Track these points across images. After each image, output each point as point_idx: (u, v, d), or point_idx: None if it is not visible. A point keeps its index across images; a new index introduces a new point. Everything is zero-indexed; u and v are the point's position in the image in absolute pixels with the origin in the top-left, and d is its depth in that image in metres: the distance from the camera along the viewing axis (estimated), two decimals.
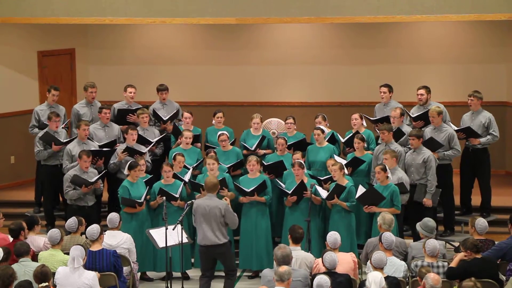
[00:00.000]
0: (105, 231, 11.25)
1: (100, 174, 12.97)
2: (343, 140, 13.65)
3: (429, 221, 10.89)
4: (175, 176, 12.62)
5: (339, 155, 13.42)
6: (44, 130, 13.78)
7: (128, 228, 12.04)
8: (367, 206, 12.14)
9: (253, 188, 12.39)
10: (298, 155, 12.92)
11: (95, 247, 10.70)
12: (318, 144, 13.32)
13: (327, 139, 13.48)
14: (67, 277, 9.76)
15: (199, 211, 11.07)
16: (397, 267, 10.22)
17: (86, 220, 11.72)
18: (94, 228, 10.79)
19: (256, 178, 12.57)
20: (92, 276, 9.79)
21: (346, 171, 12.61)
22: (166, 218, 11.26)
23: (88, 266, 10.34)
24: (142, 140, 13.51)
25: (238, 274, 12.11)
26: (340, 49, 16.93)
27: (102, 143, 13.57)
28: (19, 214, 13.91)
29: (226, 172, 12.96)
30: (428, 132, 13.27)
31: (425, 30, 16.64)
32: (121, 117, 14.20)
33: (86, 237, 10.97)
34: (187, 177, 12.72)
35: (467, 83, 16.05)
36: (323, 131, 13.32)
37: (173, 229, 11.07)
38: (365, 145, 13.24)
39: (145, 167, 12.85)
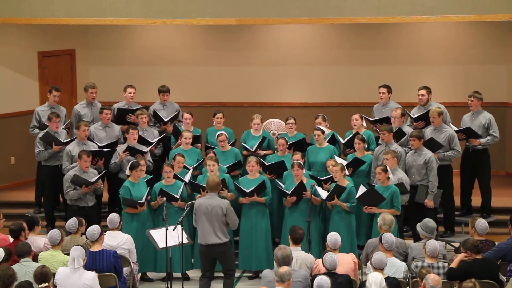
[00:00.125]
0: (105, 231, 11.25)
1: (100, 174, 12.97)
2: (343, 141, 13.64)
3: (429, 221, 10.88)
4: (175, 176, 12.62)
5: (339, 156, 13.41)
6: (45, 131, 13.77)
7: (130, 229, 12.05)
8: (366, 206, 12.15)
9: (252, 188, 12.39)
10: (297, 155, 12.92)
11: (95, 248, 10.70)
12: (318, 144, 13.31)
13: (327, 139, 13.48)
14: (67, 278, 9.76)
15: (200, 210, 11.06)
16: (397, 267, 10.22)
17: (86, 221, 11.72)
18: (94, 228, 10.78)
19: (255, 179, 12.56)
20: (92, 277, 9.79)
21: (347, 172, 12.62)
22: (166, 219, 11.24)
23: (88, 266, 10.33)
24: (141, 141, 13.51)
25: (238, 274, 12.11)
26: (341, 49, 16.93)
27: (103, 144, 13.57)
28: (19, 214, 13.89)
29: (226, 173, 12.96)
30: (428, 132, 13.26)
31: (426, 31, 16.64)
32: (121, 117, 14.18)
33: (86, 238, 10.97)
34: (187, 178, 12.72)
35: (467, 84, 16.04)
36: (323, 132, 13.32)
37: (173, 230, 11.07)
38: (366, 145, 13.24)
39: (146, 167, 12.86)
